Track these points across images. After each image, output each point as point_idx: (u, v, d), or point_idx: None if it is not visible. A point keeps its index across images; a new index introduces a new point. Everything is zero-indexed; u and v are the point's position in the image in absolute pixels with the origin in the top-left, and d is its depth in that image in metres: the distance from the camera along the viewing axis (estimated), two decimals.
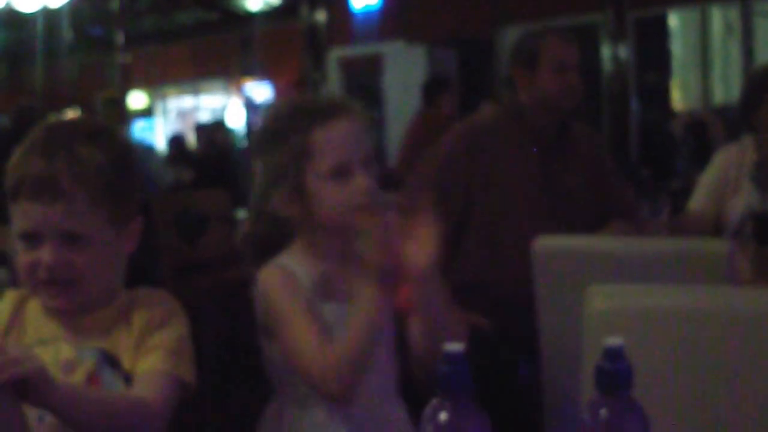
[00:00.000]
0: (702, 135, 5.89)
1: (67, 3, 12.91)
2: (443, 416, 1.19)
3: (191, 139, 11.05)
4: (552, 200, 3.27)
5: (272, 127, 1.96)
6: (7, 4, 12.23)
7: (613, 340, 1.18)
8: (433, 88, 6.94)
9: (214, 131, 9.64)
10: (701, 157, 4.96)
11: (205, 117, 13.35)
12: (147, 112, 15.53)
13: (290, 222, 1.94)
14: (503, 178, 3.26)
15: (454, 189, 3.24)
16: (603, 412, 1.17)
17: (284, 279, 1.88)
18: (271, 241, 1.96)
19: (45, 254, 1.68)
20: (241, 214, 6.80)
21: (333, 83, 12.34)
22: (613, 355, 1.17)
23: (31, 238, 1.69)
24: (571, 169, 3.34)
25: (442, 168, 3.30)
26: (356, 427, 1.89)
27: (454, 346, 1.20)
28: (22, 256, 1.71)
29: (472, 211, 3.25)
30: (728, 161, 3.59)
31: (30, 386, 1.45)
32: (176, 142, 10.39)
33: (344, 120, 1.91)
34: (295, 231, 1.96)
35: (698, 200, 3.58)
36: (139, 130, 12.97)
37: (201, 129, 10.01)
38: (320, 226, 1.92)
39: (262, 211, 1.96)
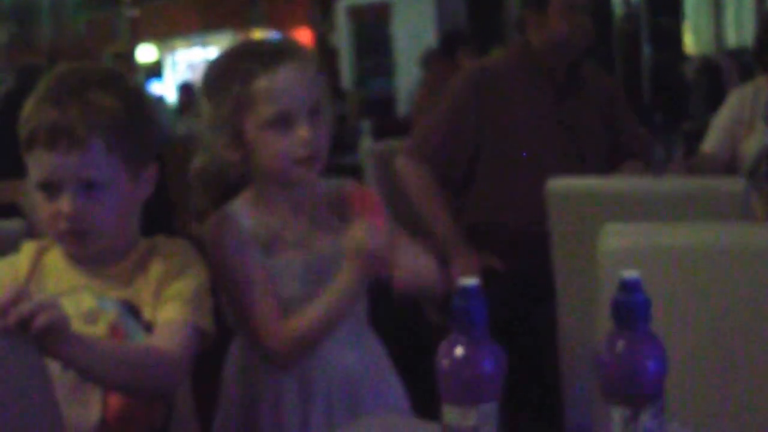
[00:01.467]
0: (715, 77, 5.86)
1: None
2: (459, 351, 1.19)
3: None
4: (564, 140, 3.26)
5: (216, 72, 1.91)
6: None
7: (630, 273, 1.17)
8: (450, 42, 6.87)
9: None
10: (714, 99, 4.94)
11: None
12: (157, 72, 15.51)
13: (234, 167, 1.89)
14: (515, 119, 3.25)
15: (465, 130, 3.23)
16: (620, 344, 1.17)
17: (231, 233, 1.85)
18: (223, 179, 1.91)
19: (64, 204, 1.67)
20: None
21: (341, 32, 12.32)
22: (630, 288, 1.16)
23: (49, 188, 1.68)
24: (584, 109, 3.32)
25: (453, 109, 3.29)
26: (325, 360, 1.89)
27: (469, 281, 1.20)
28: (43, 207, 1.70)
29: (484, 152, 3.24)
30: (742, 102, 3.57)
31: (50, 337, 1.45)
32: (186, 90, 10.35)
33: (289, 67, 1.84)
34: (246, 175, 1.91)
35: (712, 141, 3.56)
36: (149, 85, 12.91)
37: None
38: (262, 176, 1.89)
39: (210, 152, 1.89)
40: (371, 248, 1.77)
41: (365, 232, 1.78)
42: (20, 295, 1.43)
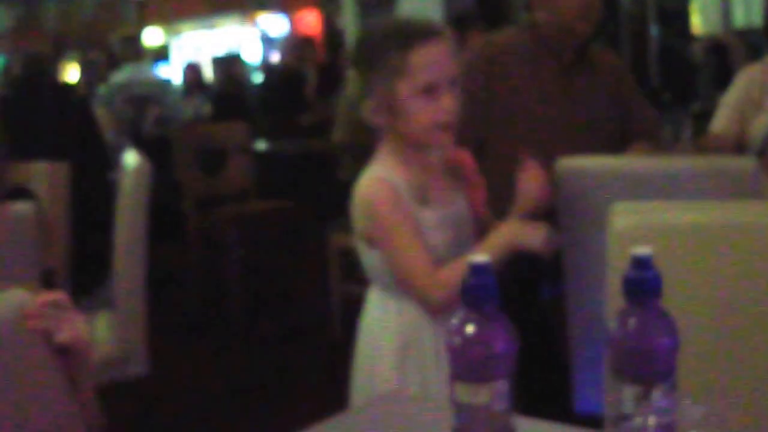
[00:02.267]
0: (723, 57, 5.84)
1: None
2: (470, 328, 1.19)
3: (207, 72, 10.98)
4: (572, 120, 3.25)
5: (372, 42, 2.11)
6: None
7: (642, 250, 1.17)
8: (459, 26, 6.82)
9: (231, 65, 9.59)
10: (722, 79, 4.92)
11: (220, 52, 13.30)
12: (164, 55, 15.50)
13: (377, 131, 2.10)
14: (521, 96, 3.24)
15: (474, 106, 3.22)
16: (632, 321, 1.17)
17: (388, 193, 2.04)
18: (361, 147, 2.15)
19: None
20: (260, 145, 6.84)
21: (348, 13, 12.30)
22: (642, 264, 1.16)
23: None
24: (591, 89, 3.31)
25: (462, 86, 3.27)
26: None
27: (480, 258, 1.20)
28: None
29: (491, 130, 3.24)
30: (751, 81, 3.57)
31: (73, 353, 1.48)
32: (191, 70, 10.32)
33: (439, 42, 2.05)
34: (380, 139, 2.12)
35: (721, 120, 3.56)
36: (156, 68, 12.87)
37: (218, 63, 9.95)
38: (404, 138, 2.08)
39: (352, 118, 2.14)
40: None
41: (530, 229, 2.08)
42: (54, 303, 1.45)
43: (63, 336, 1.45)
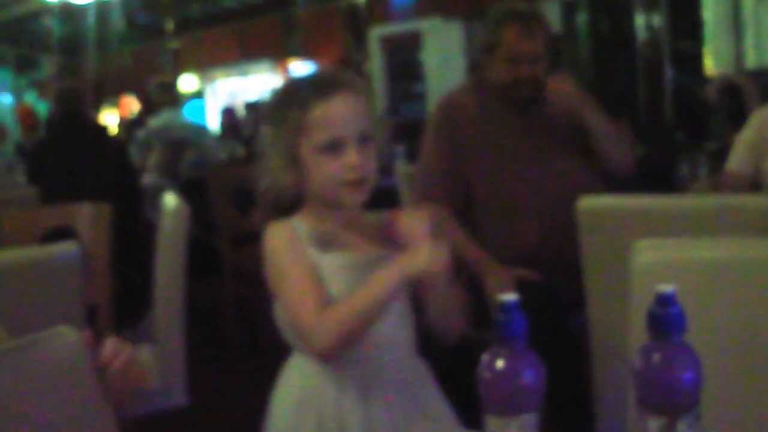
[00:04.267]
0: (737, 98, 5.88)
1: None
2: (500, 363, 1.22)
3: (241, 116, 11.12)
4: (542, 162, 3.35)
5: (274, 101, 2.05)
6: None
7: (665, 287, 1.19)
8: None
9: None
10: (737, 119, 4.96)
11: (253, 97, 13.44)
12: (198, 94, 15.72)
13: (289, 188, 2.01)
14: (484, 148, 3.35)
15: (447, 158, 3.36)
16: (656, 356, 1.18)
17: (287, 234, 1.97)
18: (284, 202, 2.03)
19: None
20: None
21: (375, 60, 12.45)
22: (666, 301, 1.18)
23: None
24: (553, 126, 3.40)
25: (433, 139, 3.43)
26: (375, 380, 1.98)
27: (509, 296, 1.25)
28: None
29: (471, 183, 3.36)
30: (765, 121, 3.61)
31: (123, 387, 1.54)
32: (228, 114, 10.40)
33: (342, 97, 1.96)
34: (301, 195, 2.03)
35: (736, 160, 3.59)
36: (190, 111, 13.03)
37: (251, 107, 10.06)
38: (314, 196, 2.01)
39: (270, 174, 2.02)
40: (429, 269, 1.86)
41: (428, 251, 1.86)
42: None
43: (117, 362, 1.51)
